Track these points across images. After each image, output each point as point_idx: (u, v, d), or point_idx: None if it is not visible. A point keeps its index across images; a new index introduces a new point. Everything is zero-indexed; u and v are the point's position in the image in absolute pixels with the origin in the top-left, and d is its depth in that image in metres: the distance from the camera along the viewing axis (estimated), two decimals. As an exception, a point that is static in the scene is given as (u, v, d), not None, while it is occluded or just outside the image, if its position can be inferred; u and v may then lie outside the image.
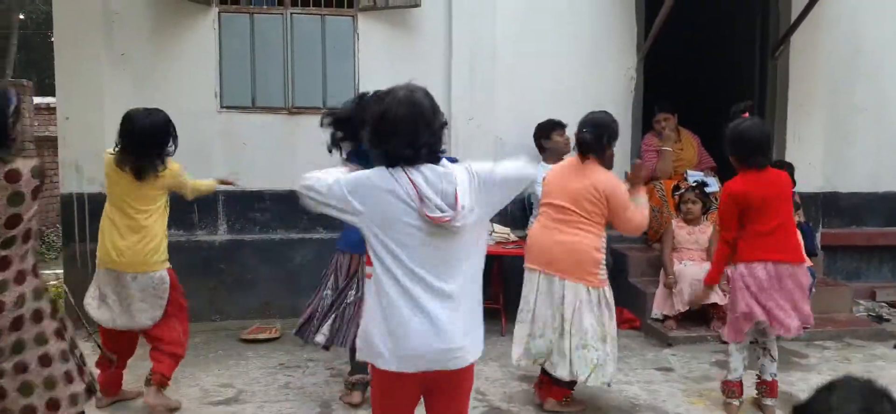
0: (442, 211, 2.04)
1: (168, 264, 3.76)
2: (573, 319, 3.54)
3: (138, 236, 3.64)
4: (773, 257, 3.62)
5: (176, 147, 3.75)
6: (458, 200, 2.04)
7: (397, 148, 2.07)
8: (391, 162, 2.10)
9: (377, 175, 2.11)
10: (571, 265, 3.56)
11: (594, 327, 3.56)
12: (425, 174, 2.08)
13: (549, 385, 3.82)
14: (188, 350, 4.69)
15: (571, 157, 3.88)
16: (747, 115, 3.82)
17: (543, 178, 3.85)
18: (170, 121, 3.71)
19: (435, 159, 2.13)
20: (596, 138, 3.62)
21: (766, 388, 3.86)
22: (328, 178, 2.16)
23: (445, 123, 2.20)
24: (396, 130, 2.07)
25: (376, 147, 2.13)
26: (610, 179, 3.63)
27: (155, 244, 3.67)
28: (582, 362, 3.56)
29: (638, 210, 3.63)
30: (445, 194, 2.06)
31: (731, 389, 3.86)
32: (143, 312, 3.70)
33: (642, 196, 3.73)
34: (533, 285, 3.66)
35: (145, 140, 3.60)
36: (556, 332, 3.58)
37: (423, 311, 2.08)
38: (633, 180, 3.73)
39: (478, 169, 2.16)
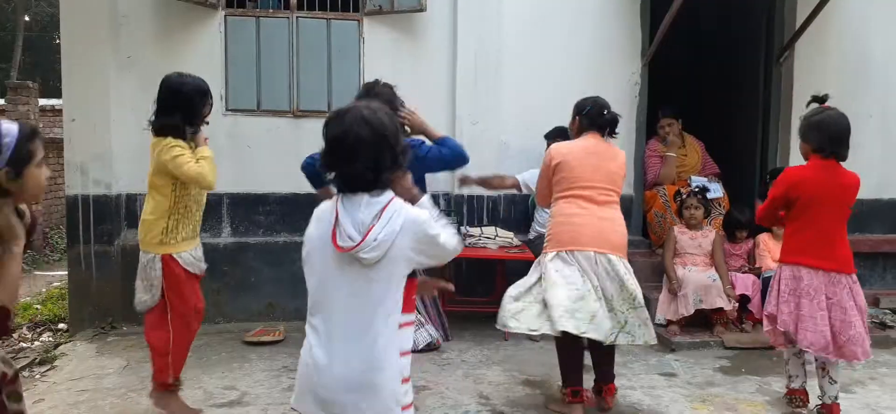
0: (351, 240, 1.91)
1: (163, 250, 3.47)
2: (635, 289, 3.66)
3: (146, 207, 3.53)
4: (822, 265, 3.47)
5: (183, 120, 3.43)
6: (370, 230, 1.90)
7: (357, 169, 1.93)
8: (349, 186, 1.97)
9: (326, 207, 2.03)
10: (621, 243, 3.70)
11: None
12: (352, 201, 1.96)
13: (603, 383, 3.89)
14: (191, 352, 4.70)
15: (584, 139, 3.79)
16: (826, 104, 3.66)
17: (556, 164, 3.73)
18: (181, 89, 3.42)
19: (384, 187, 1.98)
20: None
21: (826, 412, 3.67)
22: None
23: (405, 147, 2.04)
24: (356, 151, 1.92)
25: (332, 169, 1.98)
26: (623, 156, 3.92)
27: (149, 220, 3.47)
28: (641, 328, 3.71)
29: None
30: (361, 223, 1.92)
31: (797, 397, 3.72)
32: (136, 292, 3.57)
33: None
34: (592, 263, 3.60)
35: (159, 97, 3.44)
36: (627, 305, 3.64)
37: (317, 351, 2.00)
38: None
39: (431, 222, 2.01)
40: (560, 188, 3.75)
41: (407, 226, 1.94)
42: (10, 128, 2.05)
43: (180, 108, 3.42)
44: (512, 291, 3.79)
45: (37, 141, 2.11)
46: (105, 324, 5.40)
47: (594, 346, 3.81)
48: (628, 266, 3.72)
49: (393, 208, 1.94)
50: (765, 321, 3.74)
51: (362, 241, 1.90)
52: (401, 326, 2.02)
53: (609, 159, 3.74)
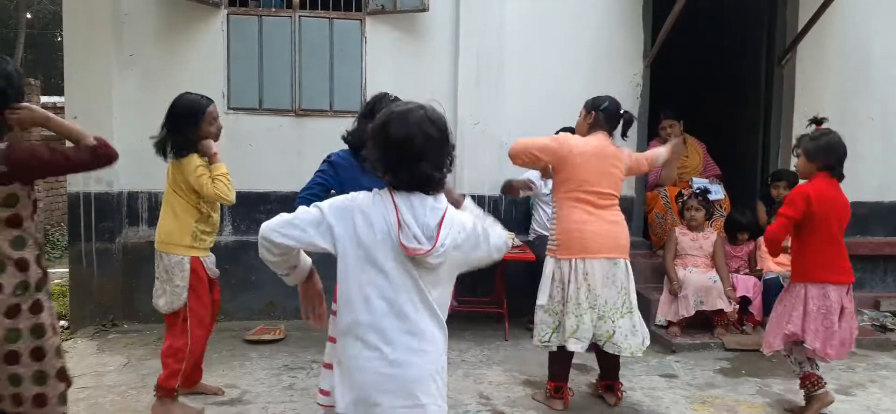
0: (419, 243, 1.88)
1: (193, 253, 3.61)
2: (632, 293, 3.77)
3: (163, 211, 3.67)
4: (843, 279, 3.67)
5: (189, 139, 3.55)
6: (439, 234, 1.88)
7: (425, 171, 1.89)
8: (409, 187, 1.92)
9: (362, 198, 1.96)
10: (626, 245, 3.80)
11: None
12: (412, 202, 1.91)
13: (612, 381, 3.96)
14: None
15: (595, 138, 3.80)
16: (821, 126, 3.84)
17: (567, 155, 3.71)
18: (187, 107, 3.57)
19: (439, 187, 1.96)
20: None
21: (814, 379, 3.83)
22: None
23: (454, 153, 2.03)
24: (425, 152, 1.88)
25: (395, 171, 1.91)
26: (625, 150, 3.98)
27: (175, 224, 3.59)
28: (643, 331, 3.81)
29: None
30: (428, 227, 1.89)
31: (813, 378, 3.78)
32: (159, 296, 3.66)
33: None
34: (599, 272, 3.68)
35: (168, 117, 3.60)
36: (619, 311, 3.71)
37: (380, 350, 1.91)
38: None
39: (481, 228, 2.00)
40: (566, 187, 3.76)
41: (461, 230, 1.95)
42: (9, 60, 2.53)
43: (178, 126, 3.56)
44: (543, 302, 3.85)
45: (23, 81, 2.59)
46: (106, 321, 5.41)
47: (602, 353, 3.88)
48: (629, 267, 3.80)
49: (451, 215, 1.95)
50: (777, 339, 3.78)
51: (434, 246, 1.87)
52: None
53: (614, 164, 3.79)
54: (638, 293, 5.48)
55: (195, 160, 3.53)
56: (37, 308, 2.44)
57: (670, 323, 5.20)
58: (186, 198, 3.59)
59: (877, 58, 6.33)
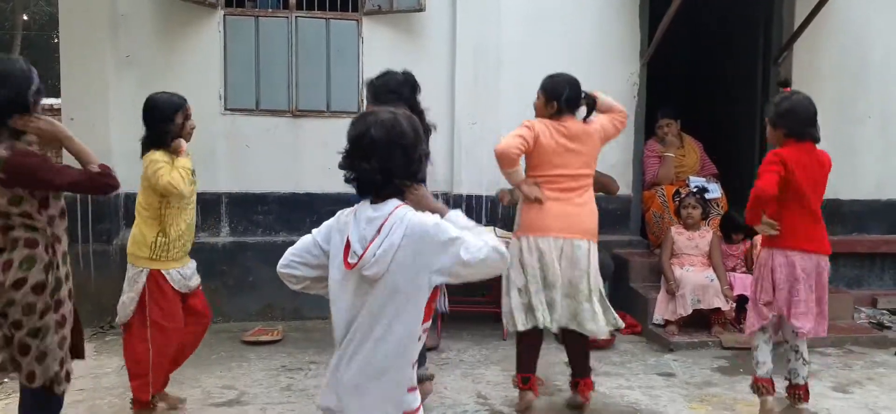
0: (355, 256, 1.88)
1: (152, 265, 3.52)
2: (594, 276, 3.68)
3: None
4: (812, 248, 3.52)
5: (158, 135, 3.52)
6: (370, 244, 1.86)
7: (366, 170, 1.90)
8: (359, 188, 1.95)
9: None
10: (593, 227, 3.71)
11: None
12: (359, 212, 1.93)
13: (581, 378, 3.87)
14: (190, 351, 4.72)
15: (563, 122, 3.66)
16: (788, 89, 3.70)
17: (536, 140, 3.60)
18: (156, 106, 3.53)
19: (395, 194, 1.94)
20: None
21: (800, 393, 3.71)
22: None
23: (424, 155, 2.02)
24: (370, 152, 1.90)
25: (348, 169, 1.95)
26: (592, 123, 3.78)
27: (138, 235, 3.55)
28: (606, 314, 3.73)
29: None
30: (364, 239, 1.89)
31: (763, 385, 3.69)
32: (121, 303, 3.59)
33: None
34: (554, 251, 3.61)
35: (144, 116, 3.58)
36: (583, 294, 3.64)
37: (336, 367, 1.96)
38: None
39: (444, 228, 1.88)
40: (536, 171, 3.68)
41: (410, 235, 1.86)
42: (32, 67, 2.62)
43: (154, 124, 3.54)
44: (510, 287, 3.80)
45: (41, 82, 2.66)
46: (104, 323, 5.40)
47: (567, 340, 3.83)
48: (595, 250, 3.72)
49: (394, 219, 1.88)
50: (756, 310, 3.67)
51: (361, 257, 1.86)
52: (418, 338, 1.96)
53: (585, 142, 3.68)
54: (635, 291, 5.58)
55: (154, 154, 3.46)
56: (38, 289, 2.59)
57: (668, 322, 5.20)
58: (147, 203, 3.53)
59: (873, 56, 6.34)
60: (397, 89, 3.68)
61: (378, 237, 1.86)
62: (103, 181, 2.67)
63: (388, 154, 1.90)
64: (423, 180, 2.12)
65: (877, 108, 6.39)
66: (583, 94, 3.74)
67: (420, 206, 1.99)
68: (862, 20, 6.29)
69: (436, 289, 1.96)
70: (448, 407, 3.92)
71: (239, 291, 5.62)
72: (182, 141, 3.58)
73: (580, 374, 3.87)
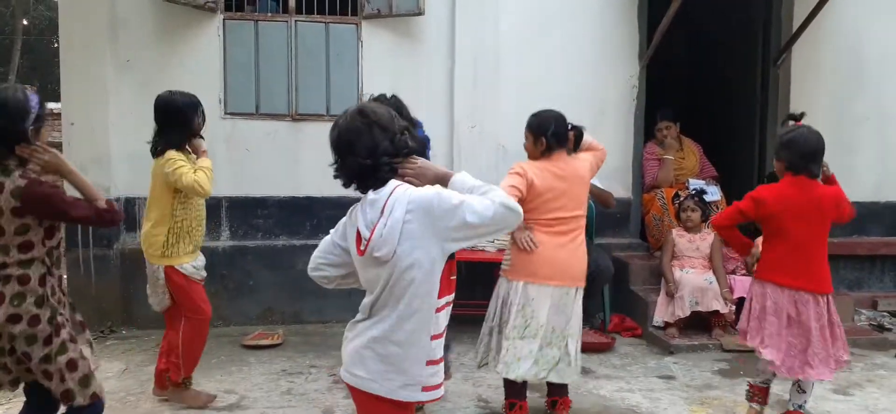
0: (365, 240, 1.95)
1: (165, 262, 3.67)
2: (575, 322, 3.59)
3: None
4: (792, 284, 3.42)
5: (176, 136, 3.61)
6: (376, 226, 1.92)
7: (356, 163, 1.96)
8: (358, 183, 2.01)
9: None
10: (583, 273, 3.62)
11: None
12: (363, 203, 2.01)
13: (559, 397, 3.80)
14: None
15: (553, 161, 3.57)
16: (800, 123, 3.61)
17: (529, 185, 3.51)
18: (173, 104, 3.62)
19: (390, 174, 1.99)
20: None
21: None
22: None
23: (405, 128, 2.04)
24: (352, 145, 1.96)
25: (339, 173, 2.02)
26: (583, 158, 3.68)
27: (150, 234, 3.69)
28: (577, 361, 3.64)
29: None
30: (370, 222, 1.95)
31: (756, 393, 3.66)
32: (150, 295, 3.84)
33: None
34: (545, 300, 3.50)
35: (155, 118, 3.67)
36: (565, 339, 3.54)
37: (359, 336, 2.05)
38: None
39: (447, 195, 1.92)
40: (531, 215, 3.51)
41: (412, 209, 1.89)
42: (32, 95, 2.60)
43: (174, 124, 3.62)
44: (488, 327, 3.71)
45: (45, 109, 2.68)
46: (104, 327, 5.40)
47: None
48: (580, 295, 3.62)
49: (394, 198, 1.92)
50: (740, 335, 3.72)
51: (369, 240, 1.92)
52: (437, 310, 2.00)
53: (576, 182, 3.57)
54: (635, 294, 5.58)
55: (174, 154, 3.55)
56: (34, 321, 2.58)
57: (668, 324, 5.20)
58: (161, 199, 3.62)
59: (872, 58, 6.36)
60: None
61: (381, 218, 1.91)
62: (109, 217, 2.74)
63: (369, 137, 1.95)
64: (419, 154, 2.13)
65: (875, 109, 6.40)
66: (570, 126, 3.65)
67: (423, 176, 2.03)
68: (860, 22, 6.30)
69: (451, 261, 2.02)
70: (448, 411, 3.92)
71: (239, 294, 5.63)
72: (203, 141, 3.74)
73: (559, 393, 3.79)
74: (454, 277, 2.08)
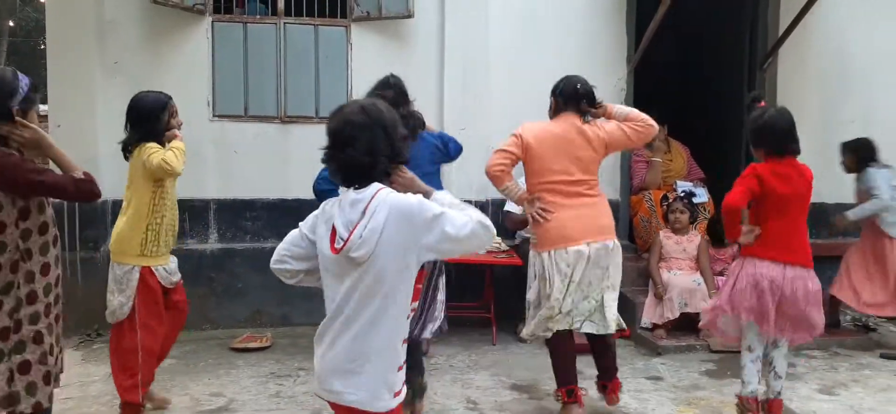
0: (342, 240, 1.92)
1: (142, 262, 3.53)
2: (613, 274, 3.60)
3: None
4: (790, 259, 3.46)
5: (145, 135, 3.53)
6: (356, 227, 1.90)
7: (351, 156, 1.94)
8: (347, 177, 1.99)
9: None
10: (610, 224, 3.62)
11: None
12: (343, 199, 1.98)
13: (607, 381, 3.80)
14: (178, 359, 4.71)
15: (557, 122, 3.62)
16: (762, 103, 3.65)
17: (526, 146, 3.56)
18: (141, 103, 3.57)
19: (382, 177, 2.00)
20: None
21: (772, 408, 3.64)
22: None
23: (405, 137, 2.06)
24: (353, 138, 1.95)
25: (332, 161, 2.00)
26: (603, 126, 3.63)
27: (125, 231, 3.54)
28: (613, 314, 3.62)
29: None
30: (349, 222, 1.93)
31: (747, 405, 3.63)
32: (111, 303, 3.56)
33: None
34: (580, 261, 3.50)
35: (130, 115, 3.58)
36: (601, 292, 3.57)
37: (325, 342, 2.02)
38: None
39: (428, 206, 1.93)
40: (535, 179, 3.60)
41: (394, 214, 1.90)
42: (23, 77, 2.59)
43: (143, 122, 3.55)
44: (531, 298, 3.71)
45: (38, 94, 2.66)
46: (90, 331, 5.37)
47: (593, 342, 3.76)
48: (617, 247, 3.62)
49: (377, 201, 1.92)
50: (711, 314, 3.68)
51: (347, 240, 1.90)
52: (407, 316, 2.01)
53: (580, 146, 3.56)
54: (624, 296, 5.55)
55: (150, 144, 3.48)
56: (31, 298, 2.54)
57: (655, 326, 5.23)
58: (140, 192, 3.51)
59: (857, 61, 6.43)
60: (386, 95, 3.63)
61: (362, 219, 1.90)
62: (87, 187, 2.65)
63: (371, 135, 1.96)
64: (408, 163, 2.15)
65: (860, 113, 6.46)
66: (578, 88, 3.62)
67: (411, 188, 2.06)
68: (845, 26, 6.37)
69: (422, 270, 2.01)
70: (437, 412, 3.92)
71: (227, 297, 5.61)
72: (176, 130, 3.63)
73: (609, 376, 3.81)
74: (420, 286, 2.07)
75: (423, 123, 3.71)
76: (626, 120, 3.63)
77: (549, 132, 3.59)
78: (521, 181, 3.77)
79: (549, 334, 3.63)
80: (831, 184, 6.08)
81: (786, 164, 3.51)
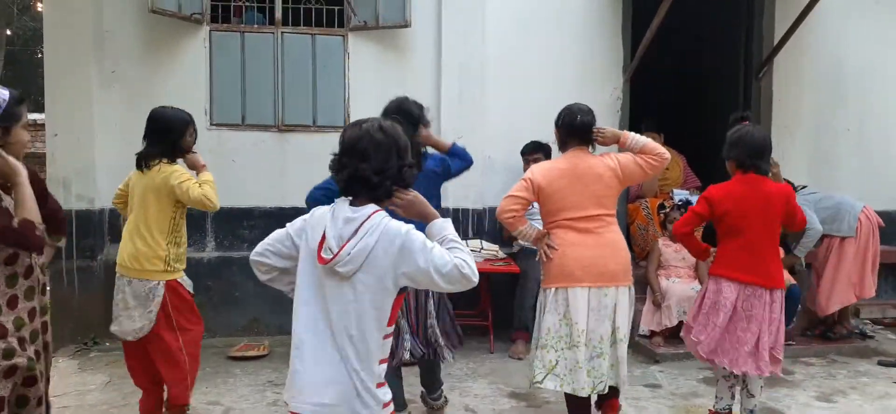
0: (331, 253, 1.96)
1: (168, 276, 3.52)
2: (621, 325, 3.46)
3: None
4: (746, 279, 3.46)
5: (168, 151, 3.52)
6: (346, 243, 1.95)
7: (363, 171, 1.99)
8: (350, 188, 2.03)
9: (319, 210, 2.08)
10: (621, 269, 3.46)
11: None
12: (337, 211, 2.02)
13: (607, 399, 3.67)
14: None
15: (566, 158, 3.52)
16: (747, 122, 3.69)
17: (538, 190, 3.47)
18: (165, 118, 3.52)
19: (384, 196, 2.05)
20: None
21: None
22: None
23: (411, 165, 2.10)
24: (367, 154, 2.00)
25: (342, 170, 2.04)
26: (613, 156, 3.51)
27: (146, 248, 3.50)
28: (623, 364, 3.50)
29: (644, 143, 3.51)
30: (340, 237, 1.97)
31: None
32: (129, 321, 3.52)
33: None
34: (581, 304, 3.38)
35: (154, 128, 3.53)
36: (610, 345, 3.45)
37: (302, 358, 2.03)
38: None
39: (415, 237, 1.97)
40: (549, 219, 3.51)
41: (384, 240, 1.96)
42: (3, 91, 2.41)
43: (165, 139, 3.51)
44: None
45: (24, 105, 2.49)
46: (87, 340, 5.35)
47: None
48: (628, 295, 3.50)
49: (371, 222, 1.98)
50: (684, 333, 3.72)
51: (337, 254, 1.95)
52: (384, 337, 2.05)
53: (592, 181, 3.43)
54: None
55: (178, 167, 3.50)
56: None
57: (653, 333, 5.23)
58: (163, 213, 3.49)
59: (852, 69, 6.47)
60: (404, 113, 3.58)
61: (354, 237, 1.96)
62: (15, 237, 2.38)
63: (385, 156, 2.02)
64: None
65: (855, 120, 6.50)
66: (578, 120, 3.50)
67: (412, 209, 2.10)
68: (841, 34, 6.41)
69: (400, 295, 2.05)
70: (435, 421, 3.92)
71: (225, 306, 5.60)
72: (199, 156, 3.64)
73: (609, 395, 3.67)
74: (398, 310, 2.11)
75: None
76: (641, 152, 3.50)
77: (559, 170, 3.49)
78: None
79: (548, 386, 3.47)
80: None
81: (748, 180, 3.52)
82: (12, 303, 2.45)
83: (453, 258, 1.97)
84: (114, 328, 3.57)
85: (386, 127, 2.06)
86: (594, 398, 3.65)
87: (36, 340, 2.53)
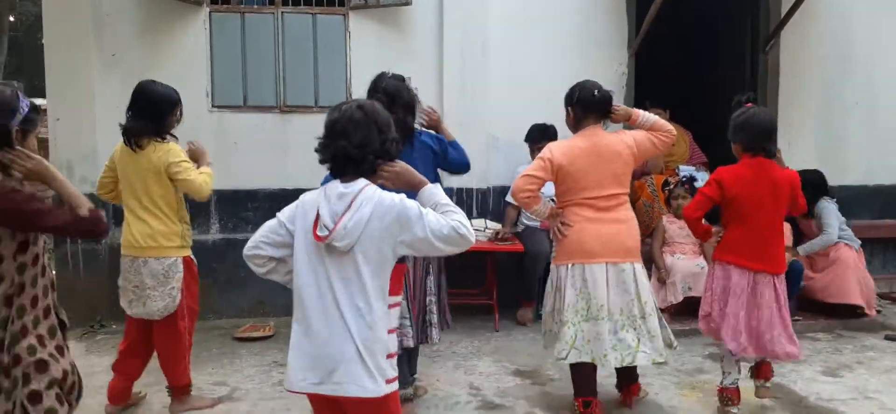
0: (326, 229, 2.01)
1: (184, 252, 3.58)
2: (647, 298, 3.47)
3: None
4: (750, 265, 3.46)
5: (158, 127, 3.51)
6: (341, 219, 2.00)
7: (343, 147, 2.05)
8: (336, 167, 2.10)
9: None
10: (636, 246, 3.50)
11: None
12: (329, 189, 2.08)
13: (627, 383, 3.74)
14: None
15: (583, 136, 3.48)
16: (750, 104, 3.64)
17: (558, 169, 3.44)
18: (158, 98, 3.51)
19: (369, 172, 2.10)
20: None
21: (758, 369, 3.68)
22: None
23: (395, 140, 2.15)
24: (347, 131, 2.07)
25: (325, 151, 2.11)
26: (630, 135, 3.53)
27: (161, 225, 3.55)
28: (663, 331, 3.52)
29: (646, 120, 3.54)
30: (335, 213, 2.02)
31: (728, 397, 3.66)
32: (147, 301, 3.54)
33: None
34: (599, 279, 3.39)
35: (143, 104, 3.53)
36: (638, 318, 3.44)
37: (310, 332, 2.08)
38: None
39: (409, 206, 2.03)
40: (566, 197, 3.49)
41: (377, 211, 2.02)
42: (23, 100, 2.49)
43: (152, 114, 3.50)
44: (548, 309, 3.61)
45: (39, 115, 2.60)
46: (93, 323, 5.38)
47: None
48: (642, 270, 3.53)
49: (363, 196, 2.04)
50: (700, 322, 3.71)
51: (333, 230, 2.00)
52: (389, 306, 2.11)
53: (612, 159, 3.43)
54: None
55: (174, 146, 3.49)
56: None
57: (659, 310, 5.21)
58: (164, 191, 3.48)
59: (860, 43, 6.39)
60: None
61: (348, 212, 2.01)
62: (87, 225, 2.51)
63: (365, 132, 2.07)
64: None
65: (863, 94, 6.44)
66: (596, 94, 3.48)
67: (400, 179, 2.16)
68: (848, 7, 6.33)
69: (402, 264, 2.08)
70: (441, 399, 3.92)
71: (230, 287, 5.61)
72: (207, 154, 3.66)
73: (630, 379, 3.73)
74: (402, 278, 2.17)
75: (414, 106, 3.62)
76: (652, 129, 3.52)
77: (580, 148, 3.44)
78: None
79: (569, 360, 3.46)
80: (834, 167, 6.06)
81: (756, 164, 3.48)
82: (34, 302, 2.50)
83: (449, 221, 2.03)
84: (136, 310, 3.56)
85: (365, 105, 2.13)
86: (614, 382, 3.74)
87: (55, 334, 2.59)
